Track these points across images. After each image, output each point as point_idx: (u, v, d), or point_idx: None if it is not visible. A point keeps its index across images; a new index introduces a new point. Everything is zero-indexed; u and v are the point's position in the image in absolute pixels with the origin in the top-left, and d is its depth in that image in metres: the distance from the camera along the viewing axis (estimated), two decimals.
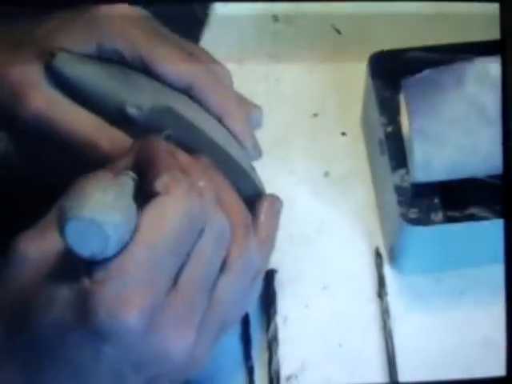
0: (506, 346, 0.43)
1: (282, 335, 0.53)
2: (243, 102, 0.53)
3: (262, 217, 0.48)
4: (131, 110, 0.47)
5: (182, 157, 0.45)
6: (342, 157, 0.61)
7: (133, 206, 0.38)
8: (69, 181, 0.40)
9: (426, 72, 0.53)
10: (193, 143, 0.47)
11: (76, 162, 0.47)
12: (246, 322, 0.52)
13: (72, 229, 0.35)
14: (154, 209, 0.39)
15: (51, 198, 0.41)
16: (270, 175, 0.53)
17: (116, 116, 0.47)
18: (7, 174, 0.54)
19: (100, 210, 0.36)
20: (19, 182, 0.54)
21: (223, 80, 0.51)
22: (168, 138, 0.46)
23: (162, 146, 0.43)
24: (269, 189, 0.51)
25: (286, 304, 0.54)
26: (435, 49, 0.56)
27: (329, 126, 0.62)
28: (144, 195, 0.40)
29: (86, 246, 0.36)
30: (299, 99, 0.63)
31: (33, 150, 0.51)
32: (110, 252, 0.36)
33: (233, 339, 0.52)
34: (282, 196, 0.50)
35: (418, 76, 0.53)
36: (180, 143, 0.47)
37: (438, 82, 0.51)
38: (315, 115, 0.63)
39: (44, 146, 0.48)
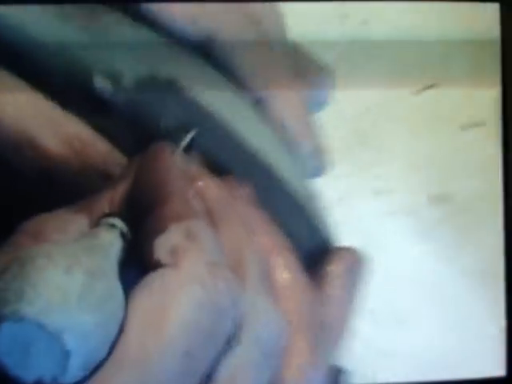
0: (506, 346, 0.39)
1: None
2: (299, 63, 0.41)
3: (330, 289, 0.37)
4: (101, 83, 0.34)
5: (211, 188, 0.34)
6: (467, 169, 0.46)
7: (119, 291, 0.29)
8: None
9: None
10: (211, 146, 0.35)
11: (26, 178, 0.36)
12: None
13: (6, 336, 0.27)
14: (151, 295, 0.29)
15: None
16: (344, 198, 0.41)
17: (78, 95, 0.35)
18: None
19: (58, 306, 0.27)
20: None
21: (266, 26, 0.39)
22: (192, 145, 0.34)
23: (176, 168, 0.33)
24: (341, 224, 0.39)
25: None
26: None
27: (449, 109, 0.47)
28: (138, 259, 0.31)
29: (29, 366, 0.28)
30: (399, 56, 0.46)
31: None
32: (69, 378, 0.28)
33: None
34: (362, 236, 0.38)
35: None
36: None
37: None
38: (430, 87, 0.46)
39: None
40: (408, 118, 0.46)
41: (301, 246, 0.37)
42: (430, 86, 0.45)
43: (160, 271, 0.30)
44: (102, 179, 0.36)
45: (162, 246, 0.31)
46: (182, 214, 0.31)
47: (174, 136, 0.35)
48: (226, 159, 0.36)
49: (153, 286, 0.30)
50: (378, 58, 0.49)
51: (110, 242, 0.31)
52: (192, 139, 0.35)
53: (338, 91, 0.42)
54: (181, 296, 0.30)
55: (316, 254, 0.38)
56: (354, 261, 0.38)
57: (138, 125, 0.35)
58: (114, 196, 0.34)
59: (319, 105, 0.41)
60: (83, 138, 0.35)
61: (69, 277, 0.28)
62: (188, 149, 0.35)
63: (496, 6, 0.39)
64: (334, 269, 0.38)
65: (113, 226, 0.32)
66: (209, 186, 0.35)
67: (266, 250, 0.35)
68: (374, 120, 0.46)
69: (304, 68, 0.41)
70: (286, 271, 0.35)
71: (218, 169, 0.36)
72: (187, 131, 0.36)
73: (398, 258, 0.45)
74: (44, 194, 0.34)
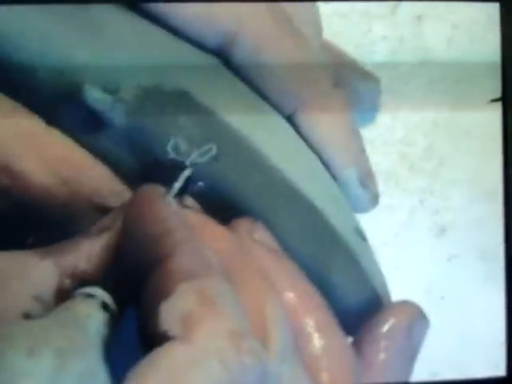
0: (506, 346, 0.35)
1: None
2: (340, 69, 0.35)
3: (381, 355, 0.31)
4: (94, 95, 0.28)
5: (218, 237, 0.29)
6: None
7: (102, 372, 0.24)
8: None
9: None
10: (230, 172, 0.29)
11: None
12: None
13: None
14: (157, 378, 0.24)
15: None
16: (398, 238, 0.34)
17: (66, 109, 0.29)
18: None
19: None
20: None
21: (301, 27, 0.33)
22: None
23: (176, 214, 0.28)
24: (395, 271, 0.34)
25: None
26: None
27: None
28: (139, 331, 0.27)
29: None
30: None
31: None
32: None
33: None
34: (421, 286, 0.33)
35: None
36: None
37: None
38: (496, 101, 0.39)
39: None
40: (471, 136, 0.39)
41: (345, 301, 0.32)
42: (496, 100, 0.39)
43: (168, 346, 0.25)
44: (97, 214, 0.29)
45: (170, 314, 0.26)
46: (193, 271, 0.26)
47: (183, 158, 0.30)
48: (248, 189, 0.30)
49: (159, 366, 0.25)
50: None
51: (88, 314, 0.27)
52: (188, 179, 0.30)
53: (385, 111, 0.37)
54: (195, 378, 0.25)
55: (364, 310, 0.32)
56: (413, 319, 0.33)
57: (140, 146, 0.29)
58: (91, 251, 0.28)
59: (366, 117, 0.35)
60: (73, 163, 0.30)
61: (34, 360, 0.24)
62: (183, 191, 0.30)
63: (496, 6, 0.36)
64: (388, 329, 0.32)
65: (91, 296, 0.27)
66: (215, 233, 0.30)
67: (294, 310, 0.30)
68: (429, 139, 0.39)
69: (346, 74, 0.35)
70: (317, 335, 0.30)
71: (232, 206, 0.30)
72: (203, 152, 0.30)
73: (468, 314, 0.38)
74: (22, 232, 0.29)
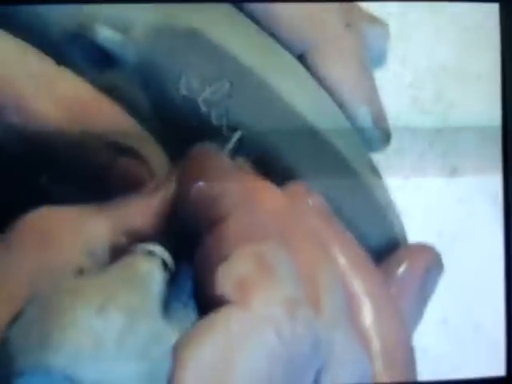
0: (506, 346, 0.36)
1: None
2: (349, 13, 0.34)
3: (395, 297, 0.31)
4: (106, 34, 0.28)
5: (273, 199, 0.29)
6: None
7: (167, 334, 0.24)
8: None
9: None
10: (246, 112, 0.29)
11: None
12: None
13: None
14: (213, 341, 0.24)
15: None
16: (409, 181, 0.34)
17: (77, 47, 0.30)
18: None
19: (91, 355, 0.23)
20: None
21: None
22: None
23: (232, 175, 0.28)
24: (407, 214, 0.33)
25: None
26: None
27: None
28: (195, 293, 0.27)
29: None
30: None
31: None
32: None
33: None
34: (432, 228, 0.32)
35: None
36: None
37: None
38: None
39: None
40: (481, 80, 0.39)
41: (362, 238, 0.31)
42: None
43: (224, 310, 0.25)
44: (110, 152, 0.29)
45: (227, 277, 0.25)
46: (251, 234, 0.26)
47: (196, 96, 0.29)
48: (262, 125, 0.30)
49: (216, 330, 0.25)
50: None
51: (150, 273, 0.26)
52: (239, 140, 0.30)
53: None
54: (249, 343, 0.25)
55: (381, 249, 0.32)
56: (430, 263, 0.32)
57: (152, 84, 0.29)
58: (147, 209, 0.28)
59: (374, 63, 0.35)
60: (85, 102, 0.30)
61: (103, 317, 0.23)
62: (234, 151, 0.30)
63: (496, 6, 0.36)
64: (403, 271, 0.32)
65: (151, 253, 0.27)
66: (269, 195, 0.29)
67: (345, 276, 0.30)
68: (438, 84, 0.38)
69: (356, 18, 0.34)
70: (369, 302, 0.29)
71: (247, 142, 0.30)
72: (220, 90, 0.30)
73: (479, 257, 0.37)
74: (36, 171, 0.29)
